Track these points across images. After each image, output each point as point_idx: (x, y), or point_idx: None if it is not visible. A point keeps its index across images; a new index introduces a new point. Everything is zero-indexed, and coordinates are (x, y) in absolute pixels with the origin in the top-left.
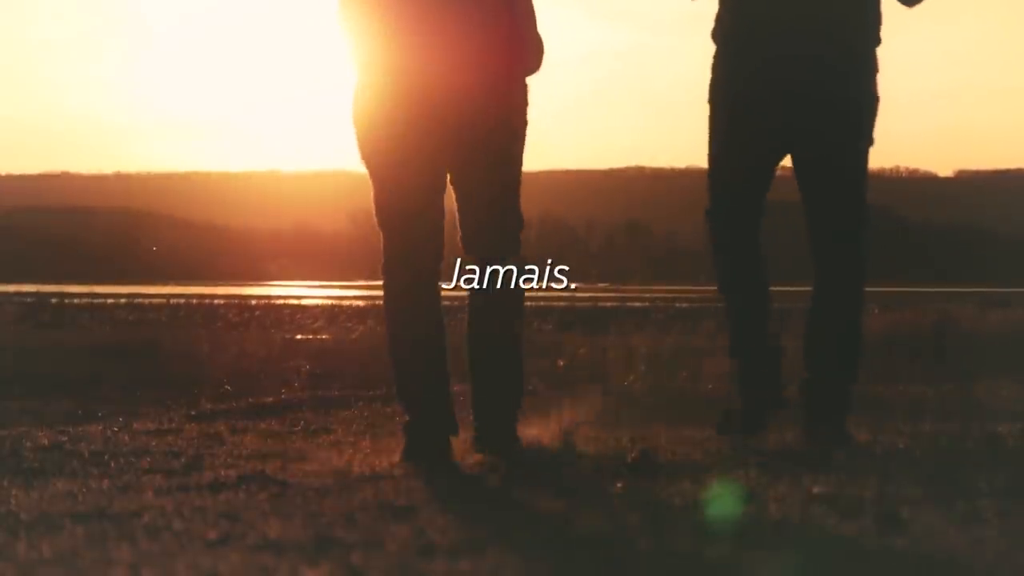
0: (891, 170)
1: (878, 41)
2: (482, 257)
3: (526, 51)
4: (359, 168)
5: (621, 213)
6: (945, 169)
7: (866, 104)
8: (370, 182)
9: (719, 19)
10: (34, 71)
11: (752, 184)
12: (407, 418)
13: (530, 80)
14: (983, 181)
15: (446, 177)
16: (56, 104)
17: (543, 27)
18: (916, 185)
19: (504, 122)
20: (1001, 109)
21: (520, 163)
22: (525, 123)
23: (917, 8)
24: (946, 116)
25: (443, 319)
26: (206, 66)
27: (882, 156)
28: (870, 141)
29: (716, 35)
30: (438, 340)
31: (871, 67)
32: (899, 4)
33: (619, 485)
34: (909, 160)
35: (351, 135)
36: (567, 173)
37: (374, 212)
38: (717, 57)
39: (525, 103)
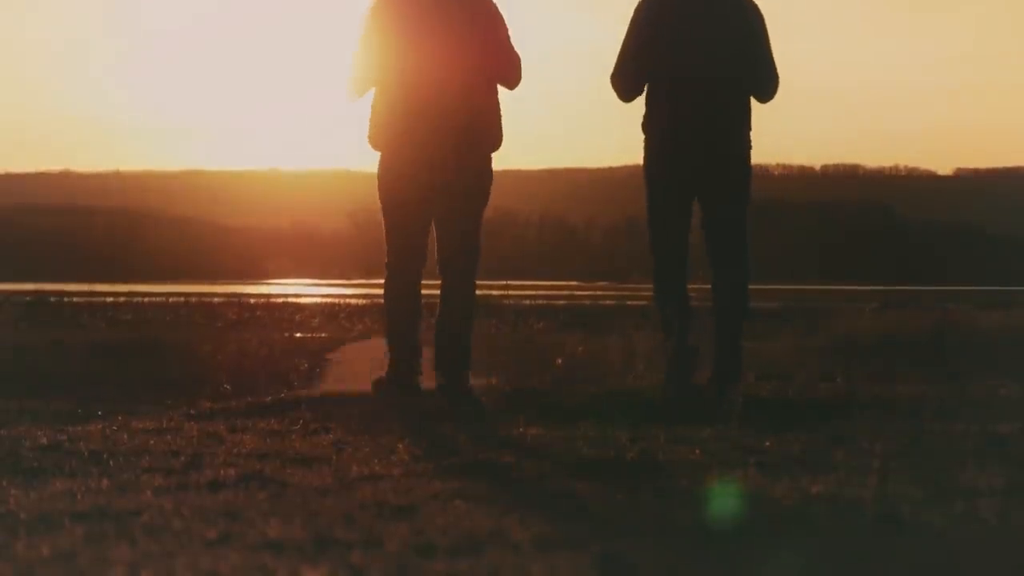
0: (891, 168)
1: (750, 127)
2: (448, 274)
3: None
4: (358, 167)
5: (621, 212)
6: (944, 168)
7: (746, 172)
8: (382, 218)
9: (647, 116)
10: (34, 71)
11: (681, 226)
12: (390, 359)
13: (522, 83)
14: (982, 180)
15: (431, 221)
16: (56, 104)
17: (546, 25)
18: (916, 184)
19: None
20: (1001, 108)
21: (482, 211)
22: (488, 190)
23: (916, 7)
24: (945, 115)
25: (420, 301)
26: (205, 66)
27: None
28: (748, 199)
29: (644, 127)
30: (416, 310)
31: (747, 150)
32: (773, 91)
33: (619, 484)
34: (908, 159)
35: (375, 190)
36: (567, 172)
37: (384, 235)
38: (646, 143)
39: (489, 176)
